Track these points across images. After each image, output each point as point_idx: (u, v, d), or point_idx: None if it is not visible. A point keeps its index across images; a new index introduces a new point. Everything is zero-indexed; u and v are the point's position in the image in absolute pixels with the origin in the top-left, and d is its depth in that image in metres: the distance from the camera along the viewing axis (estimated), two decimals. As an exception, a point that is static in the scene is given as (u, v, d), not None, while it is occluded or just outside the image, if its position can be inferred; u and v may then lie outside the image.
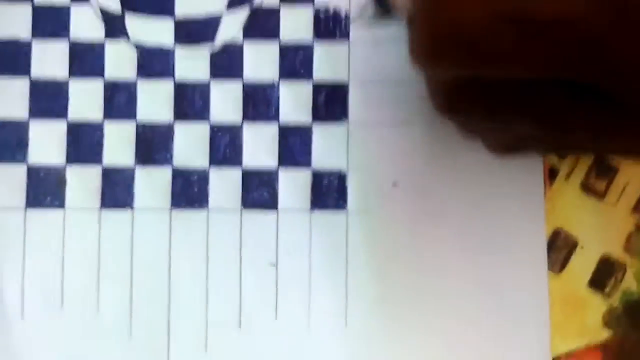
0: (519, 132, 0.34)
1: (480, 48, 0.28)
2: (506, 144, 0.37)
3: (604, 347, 0.42)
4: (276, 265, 0.42)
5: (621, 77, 0.27)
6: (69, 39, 0.45)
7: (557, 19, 0.26)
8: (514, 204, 0.44)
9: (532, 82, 0.30)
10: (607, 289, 0.42)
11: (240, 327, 0.42)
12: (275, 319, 0.42)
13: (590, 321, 0.42)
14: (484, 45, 0.28)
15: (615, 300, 0.42)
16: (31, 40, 0.45)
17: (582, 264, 0.43)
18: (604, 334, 0.42)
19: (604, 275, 0.43)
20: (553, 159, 0.44)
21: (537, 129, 0.32)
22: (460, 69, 0.30)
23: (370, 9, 0.42)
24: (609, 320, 0.42)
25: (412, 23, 0.32)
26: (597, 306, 0.43)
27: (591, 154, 0.44)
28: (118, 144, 0.44)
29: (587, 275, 0.43)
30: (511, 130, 0.34)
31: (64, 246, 0.43)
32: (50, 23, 0.45)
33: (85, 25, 0.45)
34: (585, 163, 0.44)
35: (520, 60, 0.28)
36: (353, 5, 0.45)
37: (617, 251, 0.43)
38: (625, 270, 0.43)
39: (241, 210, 0.43)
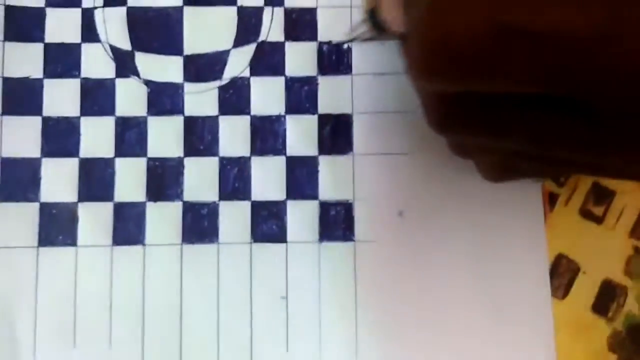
0: (513, 149, 0.25)
1: (475, 62, 0.21)
2: (500, 168, 0.29)
3: None
4: (286, 297, 0.30)
5: (616, 88, 0.20)
6: (80, 77, 0.33)
7: (551, 31, 0.20)
8: (516, 230, 0.33)
9: (525, 97, 0.22)
10: (610, 314, 0.32)
11: None
12: (287, 351, 0.31)
13: (596, 346, 0.32)
14: (478, 59, 0.21)
15: (619, 324, 0.32)
16: (43, 78, 0.33)
17: (585, 289, 0.33)
18: (610, 359, 0.31)
19: (607, 299, 0.33)
20: (552, 185, 0.33)
21: (531, 147, 0.24)
22: (455, 83, 0.23)
23: (363, 28, 0.31)
24: (614, 344, 0.32)
25: (404, 40, 0.25)
26: (601, 330, 0.32)
27: (586, 176, 0.33)
28: (129, 180, 0.33)
29: (590, 300, 0.33)
30: (504, 148, 0.26)
31: (76, 284, 0.32)
32: (62, 62, 0.34)
33: (96, 63, 0.34)
34: (583, 188, 0.34)
35: (515, 73, 0.21)
36: (347, 26, 0.34)
37: (617, 275, 0.33)
38: (626, 294, 0.33)
39: (251, 243, 0.32)
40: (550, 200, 0.33)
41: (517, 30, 0.21)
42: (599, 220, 0.33)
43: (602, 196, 0.33)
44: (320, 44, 0.34)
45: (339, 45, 0.34)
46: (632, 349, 0.31)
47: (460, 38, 0.21)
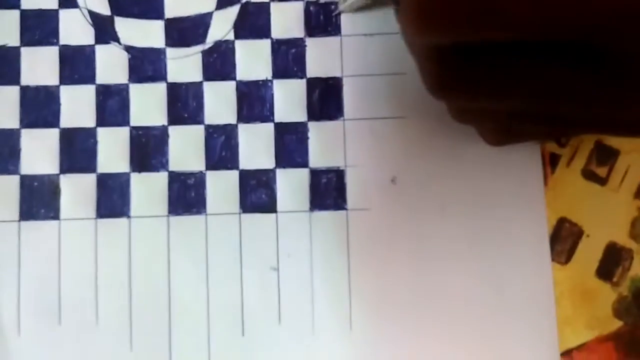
0: (515, 110, 0.24)
1: (472, 5, 0.20)
2: (502, 131, 0.27)
3: (615, 337, 0.30)
4: (277, 269, 0.29)
5: (615, 26, 0.19)
6: (58, 45, 0.31)
7: None
8: (514, 195, 0.31)
9: (527, 47, 0.21)
10: (615, 278, 0.31)
11: (243, 334, 0.29)
12: (279, 324, 0.29)
13: (600, 312, 0.31)
14: (475, 2, 0.20)
15: (624, 289, 0.31)
16: (20, 47, 0.32)
17: (589, 254, 0.31)
18: (615, 324, 0.31)
19: (611, 263, 0.31)
20: (553, 145, 0.32)
21: (535, 104, 0.23)
22: (453, 31, 0.21)
23: None
24: (619, 309, 0.30)
25: (398, 3, 0.23)
26: (606, 296, 0.31)
27: (588, 135, 0.31)
28: (112, 150, 0.32)
29: (595, 265, 0.31)
30: (506, 108, 0.24)
31: (60, 259, 0.30)
32: (39, 29, 0.33)
33: (75, 30, 0.33)
34: (586, 148, 0.32)
35: (513, 17, 0.20)
36: None
37: (622, 238, 0.31)
38: (632, 257, 0.31)
39: (240, 214, 0.30)
40: (552, 161, 0.31)
41: None
42: (602, 181, 0.31)
43: (606, 156, 0.31)
44: (308, 4, 0.32)
45: (327, 5, 0.32)
46: (638, 314, 0.30)
47: None
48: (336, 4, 0.32)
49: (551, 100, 0.23)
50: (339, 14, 0.32)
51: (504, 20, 0.20)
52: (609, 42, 0.20)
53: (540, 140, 0.31)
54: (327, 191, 0.31)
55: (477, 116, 0.26)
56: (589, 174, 0.31)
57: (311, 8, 0.32)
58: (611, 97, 0.22)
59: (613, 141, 0.31)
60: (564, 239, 0.30)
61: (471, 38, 0.21)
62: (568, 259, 0.30)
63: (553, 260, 0.30)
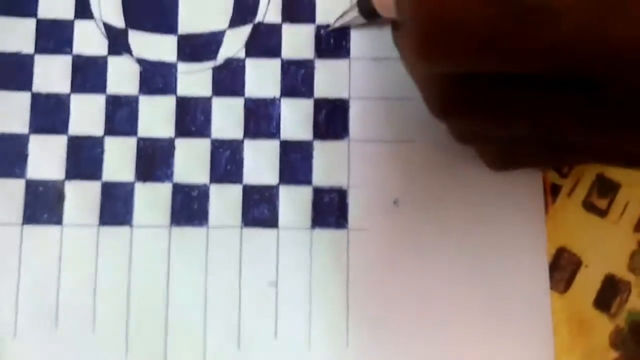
0: (517, 135, 0.24)
1: (474, 37, 0.20)
2: (503, 156, 0.27)
3: None
4: (276, 284, 0.29)
5: (615, 64, 0.19)
6: (71, 54, 0.32)
7: (546, 6, 0.19)
8: (515, 222, 0.31)
9: (529, 77, 0.21)
10: (612, 309, 0.30)
11: (239, 347, 0.29)
12: (275, 338, 0.29)
13: (597, 342, 0.30)
14: (477, 34, 0.20)
15: (621, 320, 0.31)
16: (34, 54, 0.32)
17: (587, 284, 0.31)
18: (611, 355, 0.31)
19: (609, 294, 0.31)
20: (555, 176, 0.32)
21: (536, 131, 0.23)
22: (455, 62, 0.21)
23: (354, 14, 0.32)
24: (616, 341, 0.30)
25: (396, 26, 0.25)
26: (603, 326, 0.31)
27: (590, 166, 0.31)
28: (118, 159, 0.32)
29: (592, 295, 0.31)
30: (508, 133, 0.24)
31: (60, 263, 0.30)
32: (54, 38, 0.33)
33: (89, 40, 0.33)
34: (587, 180, 0.32)
35: (518, 49, 0.20)
36: (336, 12, 0.32)
37: (621, 270, 0.31)
38: (630, 290, 0.31)
39: (241, 227, 0.30)
40: (553, 191, 0.31)
41: (519, 3, 0.19)
42: (602, 213, 0.31)
43: (607, 189, 0.31)
44: (319, 27, 0.32)
45: (335, 30, 0.32)
46: (634, 346, 0.30)
47: (457, 13, 0.20)
48: (347, 28, 0.33)
49: (552, 127, 0.23)
50: (347, 32, 0.32)
51: (507, 55, 0.20)
52: (614, 77, 0.20)
53: (541, 167, 0.31)
54: (329, 210, 0.31)
55: (479, 138, 0.26)
56: (589, 206, 0.31)
57: (322, 31, 0.33)
58: (612, 128, 0.22)
59: (614, 174, 0.31)
60: (563, 268, 0.30)
61: (472, 70, 0.21)
62: (566, 288, 0.30)
63: (551, 288, 0.30)
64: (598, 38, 0.19)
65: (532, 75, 0.21)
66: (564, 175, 0.31)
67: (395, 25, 0.27)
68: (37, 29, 0.32)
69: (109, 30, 0.32)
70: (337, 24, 0.32)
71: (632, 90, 0.20)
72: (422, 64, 0.23)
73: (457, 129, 0.26)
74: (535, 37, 0.19)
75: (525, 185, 0.31)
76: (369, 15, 0.31)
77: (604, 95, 0.21)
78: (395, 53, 0.32)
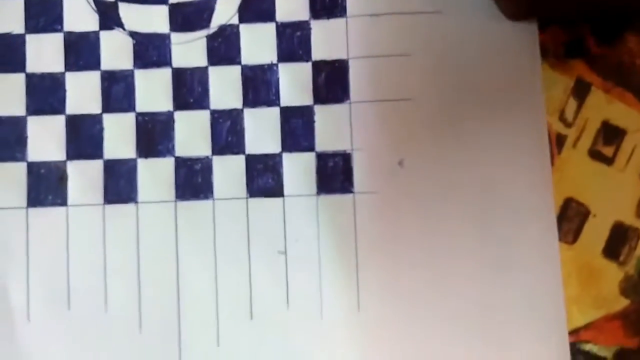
0: None
1: None
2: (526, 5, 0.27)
3: (622, 316, 0.29)
4: (285, 253, 0.28)
5: None
6: (62, 31, 0.30)
7: None
8: (521, 176, 0.30)
9: None
10: (621, 257, 0.29)
11: (252, 318, 0.27)
12: (287, 308, 0.28)
13: (607, 291, 0.29)
14: None
15: (631, 267, 0.29)
16: (25, 34, 0.30)
17: (595, 233, 0.30)
18: (622, 303, 0.29)
19: (618, 243, 0.30)
20: (559, 126, 0.30)
21: None
22: None
23: None
24: (626, 288, 0.29)
25: None
26: (612, 275, 0.29)
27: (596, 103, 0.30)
28: (118, 136, 0.30)
29: (601, 244, 0.30)
30: None
31: (68, 245, 0.29)
32: (44, 15, 0.31)
33: (79, 16, 0.31)
34: (592, 128, 0.30)
35: None
36: None
37: (629, 217, 0.30)
38: (638, 237, 0.30)
39: (247, 198, 0.29)
40: (558, 142, 0.30)
41: None
42: (609, 161, 0.29)
43: (612, 136, 0.30)
44: (312, -13, 0.30)
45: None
46: (645, 294, 0.28)
47: None
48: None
49: None
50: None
51: None
52: None
53: (561, 19, 0.29)
54: (334, 175, 0.30)
55: None
56: (595, 154, 0.30)
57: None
58: None
59: (620, 121, 0.30)
60: (571, 219, 0.29)
61: None
62: (575, 239, 0.29)
63: (560, 240, 0.29)
64: None
65: None
66: (568, 125, 0.30)
67: None
68: (26, 8, 0.31)
69: (99, 4, 0.31)
70: None
71: None
72: None
73: None
74: None
75: (530, 137, 0.30)
76: None
77: None
78: (393, 8, 0.30)
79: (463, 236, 0.29)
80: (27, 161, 0.30)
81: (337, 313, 0.29)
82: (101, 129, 0.30)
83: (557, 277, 0.29)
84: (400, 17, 0.30)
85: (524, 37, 0.30)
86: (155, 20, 0.30)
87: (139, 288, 0.29)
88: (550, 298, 0.28)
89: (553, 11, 0.29)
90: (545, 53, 0.30)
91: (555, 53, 0.30)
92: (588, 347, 0.28)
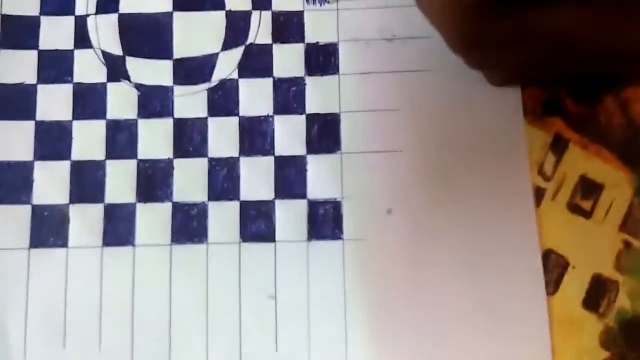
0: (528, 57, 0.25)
1: None
2: (509, 75, 0.28)
3: None
4: (275, 297, 0.26)
5: None
6: (72, 83, 0.31)
7: None
8: (507, 225, 0.29)
9: None
10: (601, 309, 0.29)
11: None
12: (276, 351, 0.28)
13: (588, 342, 0.28)
14: None
15: (611, 320, 0.29)
16: (37, 84, 0.31)
17: (575, 285, 0.29)
18: (602, 355, 0.28)
19: (598, 295, 0.29)
20: (539, 179, 0.29)
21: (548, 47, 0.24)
22: None
23: None
24: (606, 341, 0.28)
25: None
26: (593, 327, 0.28)
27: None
28: (120, 182, 0.30)
29: (581, 296, 0.29)
30: (522, 56, 0.25)
31: (66, 285, 0.29)
32: (55, 68, 0.31)
33: (89, 69, 0.31)
34: (570, 182, 0.30)
35: None
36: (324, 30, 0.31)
37: (608, 270, 0.29)
38: (618, 289, 0.29)
39: (240, 243, 0.28)
40: (537, 195, 0.29)
41: None
42: (587, 214, 0.29)
43: (590, 190, 0.29)
44: (308, 45, 0.31)
45: (326, 46, 0.30)
46: (625, 346, 0.27)
47: None
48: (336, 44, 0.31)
49: (566, 41, 0.23)
50: (337, 50, 0.30)
51: None
52: None
53: (544, 85, 0.30)
54: (325, 222, 0.29)
55: (492, 64, 0.26)
56: (574, 208, 0.29)
57: (312, 49, 0.31)
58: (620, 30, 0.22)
59: (597, 176, 0.29)
60: (551, 270, 0.28)
61: None
62: (555, 290, 0.28)
63: (541, 290, 0.28)
64: None
65: None
66: (547, 179, 0.29)
67: None
68: (39, 61, 0.31)
69: (108, 58, 0.31)
70: None
71: None
72: None
73: (473, 60, 0.26)
74: None
75: (515, 190, 0.29)
76: None
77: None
78: (381, 67, 0.30)
79: (450, 284, 0.28)
80: (32, 204, 0.29)
81: (325, 358, 0.27)
82: (104, 175, 0.30)
83: (545, 327, 0.28)
84: (390, 75, 0.30)
85: (507, 96, 0.30)
86: (160, 73, 0.31)
87: (132, 328, 0.28)
88: (537, 348, 0.27)
89: (535, 80, 0.29)
90: (524, 111, 0.30)
91: (535, 111, 0.30)
92: (569, 396, 0.27)
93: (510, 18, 0.23)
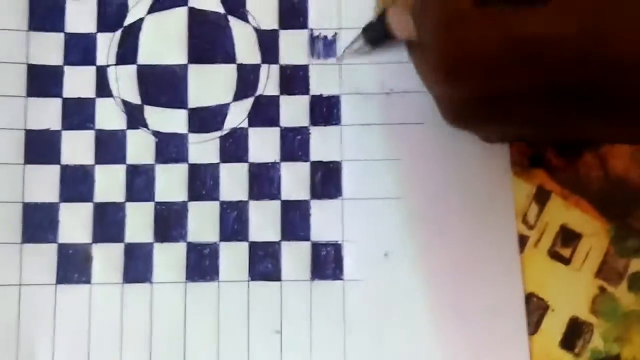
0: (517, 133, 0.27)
1: (492, 69, 0.22)
2: (502, 138, 0.30)
3: None
4: (280, 332, 0.29)
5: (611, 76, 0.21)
6: (94, 129, 0.32)
7: (551, 38, 0.21)
8: (494, 271, 0.31)
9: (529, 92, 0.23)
10: (576, 349, 0.31)
11: None
12: None
13: (563, 379, 0.28)
14: (495, 67, 0.22)
15: (585, 359, 0.27)
16: (61, 130, 0.33)
17: (554, 326, 0.31)
18: None
19: (574, 335, 0.31)
20: (522, 227, 0.32)
21: (534, 131, 0.26)
22: (473, 88, 0.23)
23: (360, 41, 0.32)
24: None
25: (413, 47, 0.26)
26: (568, 365, 0.28)
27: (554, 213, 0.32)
28: (138, 222, 0.32)
29: (559, 337, 0.31)
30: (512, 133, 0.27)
31: (90, 319, 0.31)
32: (78, 114, 0.33)
33: (109, 116, 0.33)
34: (551, 231, 0.32)
35: (527, 75, 0.22)
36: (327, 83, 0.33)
37: (584, 313, 0.31)
38: (592, 331, 0.31)
39: (248, 281, 0.30)
40: (521, 242, 0.31)
41: (527, 39, 0.21)
42: (566, 261, 0.31)
43: (569, 239, 0.31)
44: (312, 97, 0.33)
45: (330, 98, 0.32)
46: (596, 383, 0.30)
47: (478, 49, 0.22)
48: (337, 96, 0.33)
49: (552, 127, 0.25)
50: (339, 102, 0.32)
51: (516, 79, 0.22)
52: (614, 84, 0.22)
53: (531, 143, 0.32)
54: (326, 263, 0.31)
55: (478, 130, 0.28)
56: (554, 254, 0.31)
57: (316, 101, 0.32)
58: (606, 125, 0.24)
59: (576, 225, 0.32)
60: (532, 312, 0.31)
61: (485, 93, 0.23)
62: (535, 331, 0.30)
63: (522, 330, 0.30)
64: (598, 57, 0.21)
65: (537, 91, 0.23)
66: (530, 227, 0.31)
67: (411, 46, 0.27)
68: (63, 108, 0.32)
69: (127, 106, 0.32)
70: (346, 55, 0.32)
71: (629, 94, 0.22)
72: (444, 88, 0.24)
73: (467, 130, 0.28)
74: (537, 63, 0.21)
75: (501, 237, 0.31)
76: (375, 42, 0.31)
77: (602, 100, 0.22)
78: (381, 119, 0.32)
79: (441, 322, 0.30)
80: (57, 243, 0.31)
81: (324, 389, 0.30)
82: (124, 216, 0.31)
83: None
84: (388, 127, 0.32)
85: (496, 150, 0.32)
86: (176, 121, 0.32)
87: (149, 359, 0.30)
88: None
89: (522, 140, 0.31)
90: (511, 163, 0.32)
91: (520, 163, 0.32)
92: None
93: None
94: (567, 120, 0.24)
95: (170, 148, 0.32)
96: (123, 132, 0.32)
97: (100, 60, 0.33)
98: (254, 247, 0.31)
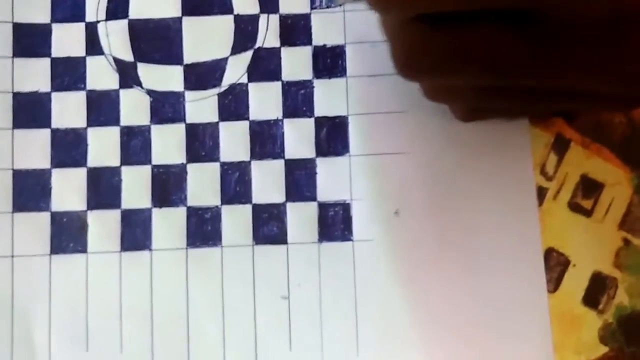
0: (474, 84, 0.22)
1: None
2: (469, 108, 0.25)
3: None
4: (288, 297, 0.26)
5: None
6: (85, 90, 0.29)
7: None
8: (510, 225, 0.27)
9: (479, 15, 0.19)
10: (600, 306, 0.27)
11: (256, 359, 0.23)
12: (290, 350, 0.27)
13: (587, 338, 0.27)
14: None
15: (610, 316, 0.27)
16: (51, 92, 0.29)
17: (575, 282, 0.27)
18: (601, 350, 0.27)
19: (597, 291, 0.27)
20: (540, 179, 0.28)
21: (487, 73, 0.20)
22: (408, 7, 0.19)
23: None
24: (605, 336, 0.26)
25: None
26: (592, 323, 0.27)
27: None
28: (135, 187, 0.28)
29: (581, 293, 0.27)
30: (467, 84, 0.22)
31: (87, 289, 0.28)
32: (68, 75, 0.29)
33: (101, 75, 0.29)
34: (571, 182, 0.28)
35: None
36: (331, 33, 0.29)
37: (607, 267, 0.28)
38: (617, 286, 0.27)
39: (253, 245, 0.27)
40: (539, 194, 0.27)
41: None
42: (587, 213, 0.27)
43: (591, 189, 0.27)
44: (315, 48, 0.28)
45: (333, 48, 0.28)
46: (623, 340, 0.26)
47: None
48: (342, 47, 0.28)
49: (503, 70, 0.20)
50: (344, 52, 0.28)
51: None
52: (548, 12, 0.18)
53: (507, 117, 0.28)
54: (334, 223, 0.27)
55: (447, 94, 0.24)
56: (574, 206, 0.27)
57: (319, 52, 0.28)
58: (548, 62, 0.20)
59: (598, 175, 0.28)
60: (552, 268, 0.27)
61: (424, 10, 0.20)
62: (556, 287, 0.27)
63: (543, 288, 0.26)
64: None
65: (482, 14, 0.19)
66: (549, 179, 0.28)
67: None
68: (52, 68, 0.28)
69: (119, 64, 0.28)
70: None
71: (566, 25, 0.18)
72: (384, 10, 0.21)
73: (425, 86, 0.24)
74: None
75: (518, 189, 0.28)
76: None
77: (542, 31, 0.19)
78: (388, 69, 0.28)
79: (455, 283, 0.27)
80: (50, 211, 0.27)
81: (337, 356, 0.26)
82: (119, 181, 0.28)
83: (546, 325, 0.26)
84: (395, 77, 0.28)
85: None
86: (171, 79, 0.28)
87: (151, 330, 0.27)
88: (539, 343, 0.26)
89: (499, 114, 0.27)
90: (529, 112, 0.28)
91: (538, 112, 0.28)
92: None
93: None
94: (515, 68, 0.20)
95: (166, 107, 0.28)
96: (116, 92, 0.28)
97: (90, 16, 0.29)
98: (258, 209, 0.27)
